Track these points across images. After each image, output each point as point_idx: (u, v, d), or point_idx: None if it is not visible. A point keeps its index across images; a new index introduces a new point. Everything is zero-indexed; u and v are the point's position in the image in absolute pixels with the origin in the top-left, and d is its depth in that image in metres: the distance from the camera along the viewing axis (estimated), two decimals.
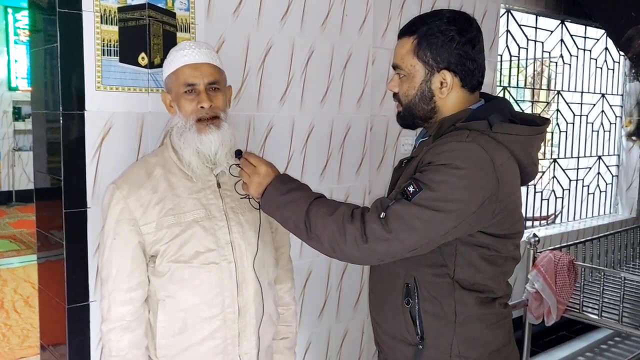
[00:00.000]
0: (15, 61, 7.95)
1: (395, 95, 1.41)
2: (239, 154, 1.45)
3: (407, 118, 1.40)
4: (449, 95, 1.34)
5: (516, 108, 1.53)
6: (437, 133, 1.34)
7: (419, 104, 1.36)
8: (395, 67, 1.39)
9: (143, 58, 1.88)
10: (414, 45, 1.33)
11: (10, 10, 7.84)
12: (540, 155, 1.70)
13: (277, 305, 1.62)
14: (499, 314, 1.35)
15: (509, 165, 1.27)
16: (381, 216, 1.21)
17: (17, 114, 8.00)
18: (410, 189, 1.21)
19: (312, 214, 1.27)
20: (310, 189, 1.38)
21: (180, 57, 1.44)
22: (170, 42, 1.89)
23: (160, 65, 1.84)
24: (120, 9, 1.81)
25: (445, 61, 1.31)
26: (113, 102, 1.82)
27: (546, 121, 1.36)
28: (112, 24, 1.81)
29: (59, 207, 1.78)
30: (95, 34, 1.78)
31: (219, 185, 1.49)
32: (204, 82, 1.43)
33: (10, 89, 7.94)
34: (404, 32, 1.37)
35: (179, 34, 1.94)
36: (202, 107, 1.42)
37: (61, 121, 1.75)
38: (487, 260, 1.30)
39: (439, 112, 1.36)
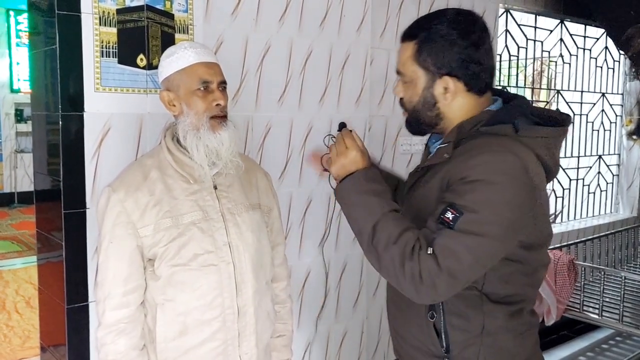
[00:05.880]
0: (18, 63, 7.96)
1: (401, 100, 1.36)
2: (342, 126, 1.41)
3: (414, 125, 1.36)
4: (454, 101, 1.28)
5: None
6: (457, 138, 1.27)
7: (422, 110, 1.31)
8: (398, 72, 1.35)
9: (141, 59, 1.89)
10: (414, 51, 1.28)
11: (12, 13, 7.86)
12: None
13: (274, 304, 1.63)
14: (526, 323, 1.31)
15: (537, 168, 1.22)
16: (429, 252, 1.14)
17: (19, 116, 8.01)
18: (449, 215, 1.14)
19: (379, 229, 1.21)
20: (389, 196, 1.29)
21: (192, 54, 1.44)
22: (168, 43, 1.90)
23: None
24: (118, 11, 1.82)
25: (446, 67, 1.26)
26: (112, 103, 1.83)
27: (567, 117, 1.31)
28: (110, 25, 1.82)
29: (59, 208, 1.78)
30: (94, 36, 1.79)
31: (215, 187, 1.49)
32: (217, 81, 1.45)
33: (13, 91, 7.95)
34: (405, 37, 1.32)
35: (177, 35, 1.95)
36: (218, 104, 1.43)
37: (60, 122, 1.76)
38: (519, 272, 1.25)
39: (445, 119, 1.31)
